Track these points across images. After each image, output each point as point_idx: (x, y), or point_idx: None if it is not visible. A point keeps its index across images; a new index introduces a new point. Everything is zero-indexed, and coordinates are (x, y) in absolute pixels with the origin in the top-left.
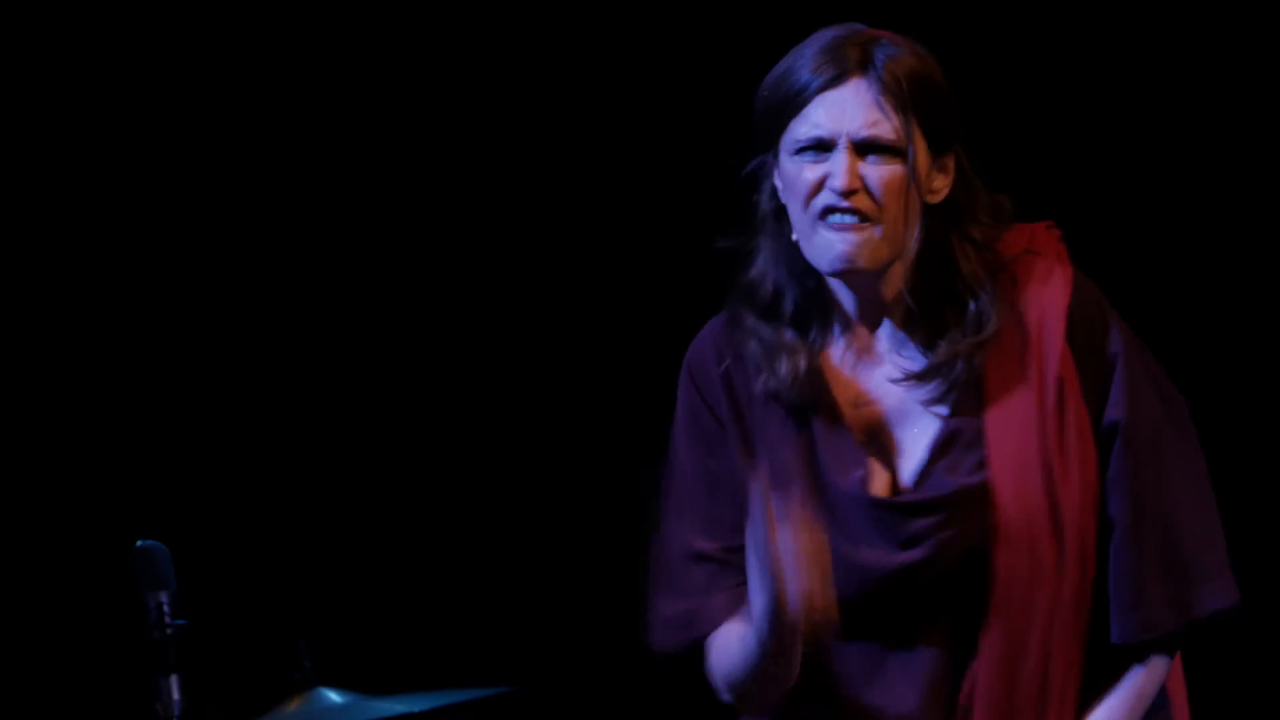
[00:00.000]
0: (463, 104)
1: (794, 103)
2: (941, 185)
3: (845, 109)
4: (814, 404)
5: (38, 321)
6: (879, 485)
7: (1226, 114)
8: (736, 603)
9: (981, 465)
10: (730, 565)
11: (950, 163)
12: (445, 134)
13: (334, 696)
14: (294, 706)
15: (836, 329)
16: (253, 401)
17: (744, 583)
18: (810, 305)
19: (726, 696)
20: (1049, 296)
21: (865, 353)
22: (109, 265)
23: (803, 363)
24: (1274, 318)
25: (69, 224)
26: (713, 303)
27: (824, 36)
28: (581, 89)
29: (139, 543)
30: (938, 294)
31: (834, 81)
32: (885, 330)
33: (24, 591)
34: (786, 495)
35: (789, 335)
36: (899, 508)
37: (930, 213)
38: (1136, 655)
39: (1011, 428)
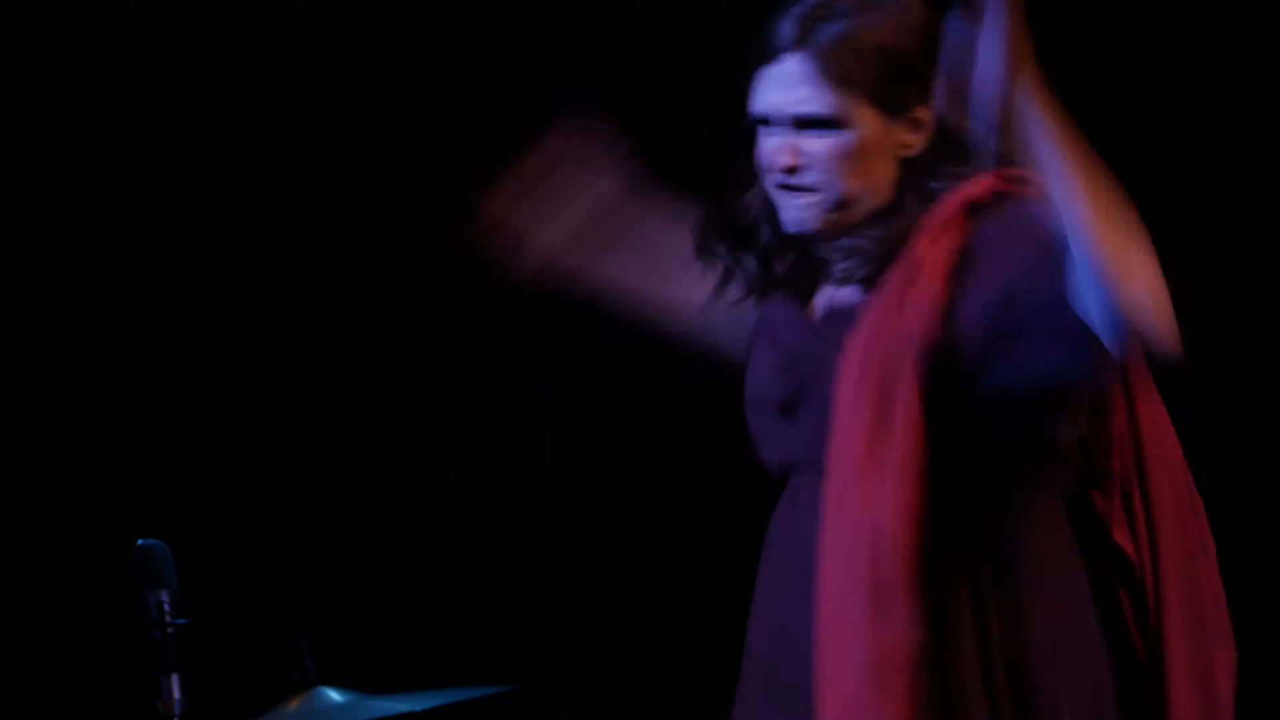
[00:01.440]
0: (467, 98)
1: (751, 78)
2: (913, 140)
3: (777, 86)
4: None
5: (38, 321)
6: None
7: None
8: None
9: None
10: None
11: (923, 117)
12: (447, 131)
13: (334, 695)
14: (294, 705)
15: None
16: (253, 401)
17: None
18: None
19: None
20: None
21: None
22: (109, 265)
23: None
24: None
25: (69, 224)
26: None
27: (781, 12)
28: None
29: (139, 541)
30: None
31: (770, 58)
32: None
33: (24, 591)
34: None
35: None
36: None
37: (905, 165)
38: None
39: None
